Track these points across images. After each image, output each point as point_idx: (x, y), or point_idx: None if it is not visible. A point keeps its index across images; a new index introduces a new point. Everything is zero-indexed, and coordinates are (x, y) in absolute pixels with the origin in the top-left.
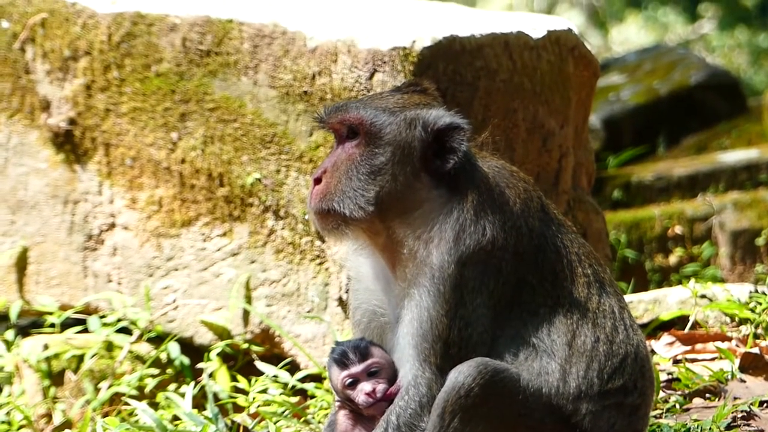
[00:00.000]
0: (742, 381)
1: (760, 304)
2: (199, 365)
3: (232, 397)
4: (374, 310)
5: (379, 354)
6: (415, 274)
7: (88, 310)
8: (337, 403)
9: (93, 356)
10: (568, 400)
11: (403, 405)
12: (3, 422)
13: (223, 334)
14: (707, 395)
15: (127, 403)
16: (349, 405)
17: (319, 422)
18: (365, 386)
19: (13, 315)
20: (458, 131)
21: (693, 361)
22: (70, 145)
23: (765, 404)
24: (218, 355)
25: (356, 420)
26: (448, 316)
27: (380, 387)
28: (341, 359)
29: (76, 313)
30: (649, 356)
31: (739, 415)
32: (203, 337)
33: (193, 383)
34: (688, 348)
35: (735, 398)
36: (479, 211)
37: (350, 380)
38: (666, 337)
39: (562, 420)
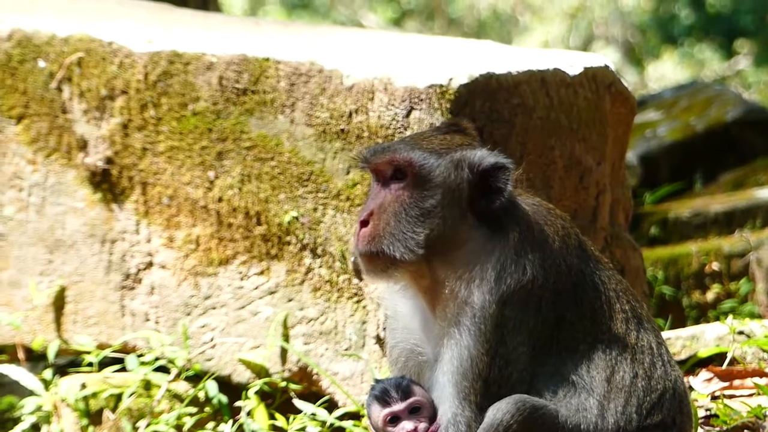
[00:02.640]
0: None
1: None
2: (237, 403)
3: None
4: (412, 348)
5: (420, 392)
6: (455, 314)
7: (126, 349)
8: None
9: (131, 395)
10: None
11: None
12: None
13: (260, 372)
14: (746, 431)
15: None
16: None
17: None
18: (407, 425)
19: (51, 354)
20: (503, 171)
21: (731, 397)
22: (107, 184)
23: None
24: (256, 393)
25: None
26: (489, 354)
27: (422, 426)
28: (382, 396)
29: (113, 352)
30: (687, 392)
31: None
32: (241, 375)
33: (231, 421)
34: (726, 384)
35: None
36: (519, 249)
37: (391, 418)
38: (704, 374)
39: None
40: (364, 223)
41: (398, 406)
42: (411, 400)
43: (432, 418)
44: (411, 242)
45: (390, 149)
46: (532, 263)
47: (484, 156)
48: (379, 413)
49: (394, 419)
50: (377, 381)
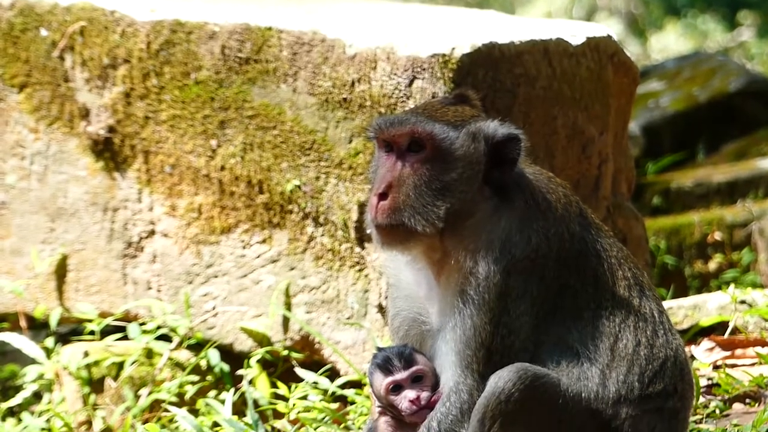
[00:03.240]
0: None
1: None
2: (239, 372)
3: (272, 404)
4: (414, 317)
5: (422, 361)
6: (460, 284)
7: (128, 318)
8: (378, 410)
9: (133, 363)
10: (607, 405)
11: (445, 411)
12: (43, 429)
13: (262, 340)
14: (747, 400)
15: (167, 410)
16: (391, 411)
17: (359, 428)
18: (409, 393)
19: (52, 322)
20: (516, 142)
21: (733, 366)
22: (109, 152)
23: None
24: (258, 361)
25: (397, 426)
26: (492, 323)
27: (424, 394)
28: (385, 365)
29: (115, 320)
30: (688, 360)
31: None
32: (243, 343)
33: (233, 390)
34: (728, 353)
35: None
36: (524, 219)
37: (394, 386)
38: (706, 343)
39: (602, 425)
40: (382, 196)
41: (401, 375)
42: (413, 368)
43: (434, 386)
44: (432, 215)
45: (409, 121)
46: (537, 233)
47: (497, 127)
48: (382, 382)
49: (397, 388)
50: (380, 349)
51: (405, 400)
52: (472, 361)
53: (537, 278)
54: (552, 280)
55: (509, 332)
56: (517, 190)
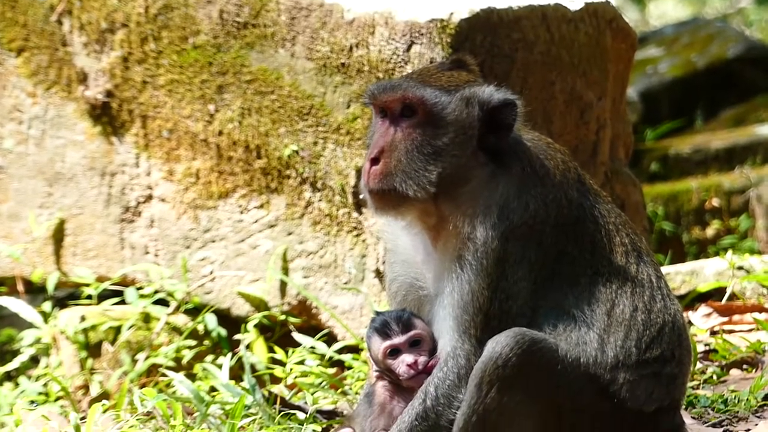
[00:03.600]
0: None
1: None
2: (236, 337)
3: (269, 369)
4: (412, 282)
5: (420, 326)
6: (458, 249)
7: (125, 282)
8: (375, 374)
9: (130, 328)
10: (605, 370)
11: (442, 376)
12: (40, 393)
13: (260, 305)
14: (744, 366)
15: (164, 375)
16: (388, 376)
17: (356, 393)
18: (407, 357)
19: (50, 287)
20: (512, 107)
21: (730, 332)
22: (107, 117)
23: None
24: (255, 326)
25: (394, 391)
26: (490, 289)
27: (422, 359)
28: (383, 329)
29: (113, 284)
30: (686, 325)
31: None
32: (240, 308)
33: (230, 354)
34: (726, 319)
35: None
36: (522, 185)
37: (392, 350)
38: (703, 309)
39: (599, 390)
40: (374, 161)
41: (399, 339)
42: (411, 333)
43: (432, 351)
44: (424, 180)
45: (400, 86)
46: (535, 198)
47: (492, 93)
48: (380, 345)
49: (395, 352)
50: (378, 313)
51: (402, 364)
52: (470, 327)
53: (535, 244)
54: (550, 246)
55: (507, 297)
56: (515, 156)
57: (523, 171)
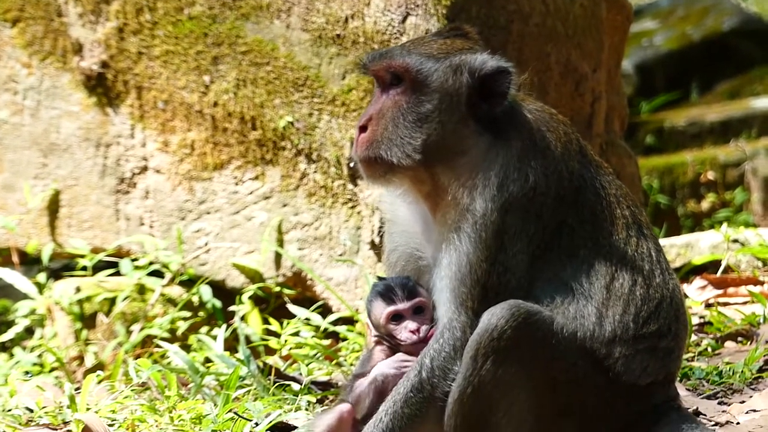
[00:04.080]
0: None
1: None
2: (231, 308)
3: (263, 340)
4: (412, 252)
5: (424, 294)
6: (456, 220)
7: (120, 253)
8: (374, 339)
9: (125, 299)
10: (602, 344)
11: (438, 348)
12: (35, 364)
13: (255, 277)
14: (739, 338)
15: (158, 346)
16: (388, 341)
17: (351, 365)
18: (410, 324)
19: (45, 258)
20: (505, 75)
21: (725, 304)
22: (102, 88)
23: None
24: (250, 298)
25: (390, 356)
26: (488, 261)
27: (424, 327)
28: (387, 294)
29: (108, 256)
30: (683, 300)
31: None
32: (235, 280)
33: (224, 326)
34: (720, 292)
35: (767, 341)
36: (523, 156)
37: (395, 316)
38: (698, 281)
39: (594, 363)
40: (362, 129)
41: (403, 305)
42: (416, 300)
43: (432, 320)
44: (408, 147)
45: (387, 55)
46: (535, 170)
47: (485, 60)
48: (383, 310)
49: (398, 317)
50: (380, 279)
51: (405, 330)
52: (467, 299)
53: (534, 216)
54: (550, 218)
55: (505, 270)
56: (515, 127)
57: (524, 142)
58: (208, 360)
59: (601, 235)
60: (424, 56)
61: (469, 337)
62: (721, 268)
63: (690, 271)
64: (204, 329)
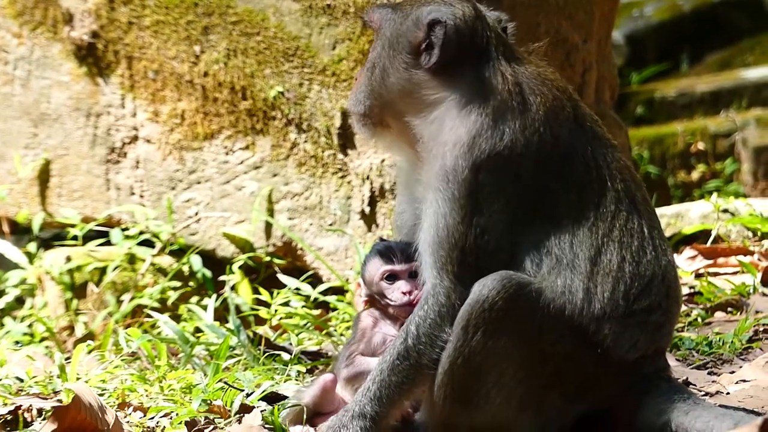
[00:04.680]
0: (764, 295)
1: None
2: (221, 278)
3: (254, 310)
4: (418, 216)
5: None
6: (432, 177)
7: (111, 223)
8: (364, 300)
9: (115, 269)
10: (591, 321)
11: (423, 315)
12: (25, 334)
13: (245, 246)
14: (729, 309)
15: (149, 315)
16: (377, 302)
17: (341, 335)
18: (403, 285)
19: (35, 227)
20: (439, 27)
21: (715, 275)
22: (92, 58)
23: None
24: (240, 267)
25: (378, 319)
26: (464, 223)
27: (416, 292)
28: (386, 253)
29: (98, 225)
30: (677, 278)
31: (761, 328)
32: (225, 249)
33: (215, 296)
34: (710, 262)
35: (757, 312)
36: (498, 115)
37: (390, 275)
38: (688, 251)
39: (583, 337)
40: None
41: (400, 266)
42: (413, 264)
43: None
44: (361, 95)
45: (371, 9)
46: (512, 129)
47: (432, 11)
48: (379, 268)
49: (392, 277)
50: (382, 239)
51: (397, 290)
52: (447, 263)
53: (513, 176)
54: (530, 181)
55: (482, 232)
56: (495, 86)
57: (502, 101)
58: (198, 330)
59: (587, 207)
60: (393, 9)
61: (454, 302)
62: (711, 238)
63: (680, 241)
64: (194, 299)
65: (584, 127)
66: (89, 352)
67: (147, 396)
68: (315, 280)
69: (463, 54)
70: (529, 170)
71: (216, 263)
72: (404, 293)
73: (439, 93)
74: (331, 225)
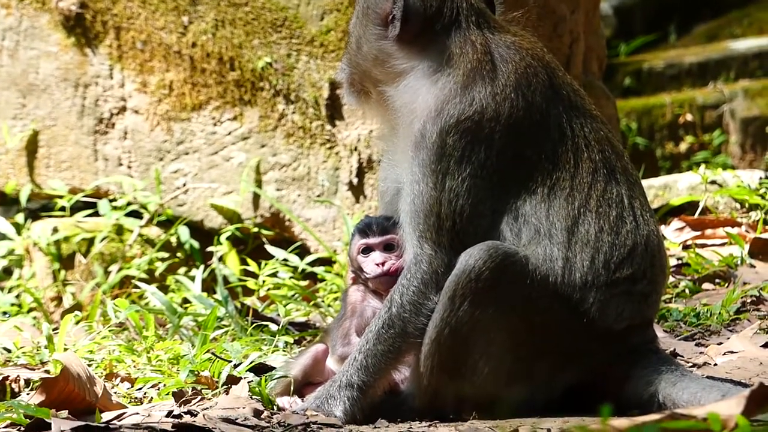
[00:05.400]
0: (752, 266)
1: None
2: (209, 249)
3: (241, 281)
4: (398, 180)
5: (400, 233)
6: (405, 145)
7: (99, 194)
8: (351, 276)
9: (103, 239)
10: (575, 289)
11: (406, 283)
12: (13, 305)
13: (233, 217)
14: (717, 280)
15: (137, 286)
16: (360, 277)
17: (329, 306)
18: (377, 256)
19: (23, 198)
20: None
21: (703, 246)
22: (80, 28)
23: None
24: (228, 238)
25: (366, 293)
26: (437, 188)
27: (390, 261)
28: (364, 229)
29: (86, 196)
30: (661, 246)
31: (749, 300)
32: (213, 220)
33: (202, 266)
34: (698, 233)
35: (744, 283)
36: (467, 81)
37: (365, 248)
38: (676, 223)
39: (569, 307)
40: None
41: (374, 240)
42: (387, 236)
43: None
44: (344, 64)
45: None
46: (482, 95)
47: None
48: (356, 243)
49: (367, 250)
50: (366, 216)
51: (371, 262)
52: (425, 230)
53: (484, 142)
54: (504, 147)
55: (456, 197)
56: (466, 53)
57: (471, 69)
58: (186, 301)
59: (562, 177)
60: None
61: (437, 269)
62: (699, 210)
63: (668, 213)
64: (182, 270)
65: (560, 95)
66: (77, 322)
67: (135, 367)
68: (303, 251)
69: (432, 24)
70: (502, 135)
71: (204, 234)
72: (377, 264)
73: (408, 62)
74: (319, 196)
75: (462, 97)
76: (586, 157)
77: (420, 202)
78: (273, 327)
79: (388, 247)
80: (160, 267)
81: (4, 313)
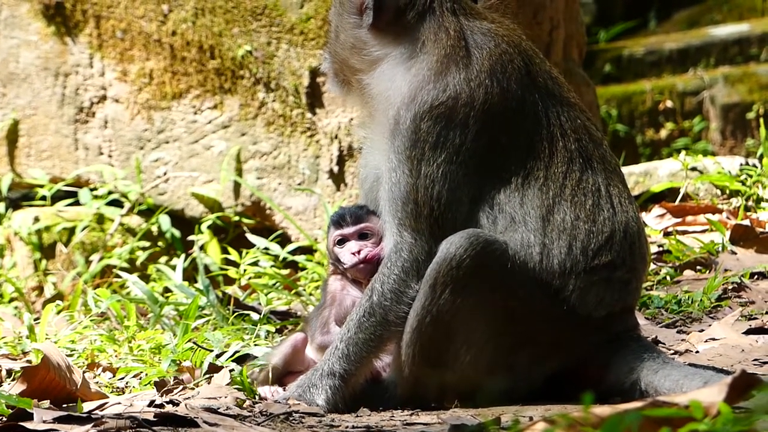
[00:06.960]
0: (733, 253)
1: (751, 176)
2: (190, 238)
3: (222, 270)
4: (377, 168)
5: (375, 221)
6: (382, 132)
7: (79, 183)
8: (331, 267)
9: (84, 229)
10: (554, 276)
11: (386, 272)
12: None
13: (213, 206)
14: (698, 267)
15: (118, 276)
16: (338, 268)
17: (310, 294)
18: (352, 246)
19: (3, 188)
20: None
21: (684, 233)
22: (60, 17)
23: (755, 276)
24: (209, 227)
25: (346, 283)
26: (413, 175)
27: (365, 249)
28: (338, 220)
29: (66, 185)
30: (641, 233)
31: (730, 287)
32: (194, 209)
33: (183, 255)
34: (679, 220)
35: (725, 270)
36: (442, 67)
37: (340, 239)
38: (657, 210)
39: (550, 294)
40: None
41: (348, 230)
42: (361, 225)
43: (380, 245)
44: (326, 53)
45: None
46: (456, 81)
47: None
48: (331, 234)
49: (342, 241)
50: (340, 208)
51: (347, 252)
52: (404, 217)
53: (459, 128)
54: (479, 133)
55: (432, 183)
56: (439, 40)
57: (445, 55)
58: (167, 290)
59: (536, 166)
60: None
61: (417, 257)
62: (680, 197)
63: (648, 200)
64: (163, 259)
65: (537, 82)
66: (58, 312)
67: (116, 356)
68: (284, 240)
69: (406, 11)
70: (478, 120)
71: (185, 223)
72: (353, 254)
73: (382, 50)
74: (299, 184)
75: (436, 83)
76: (562, 146)
77: (397, 190)
78: (254, 316)
79: (363, 236)
80: (142, 256)
81: None
